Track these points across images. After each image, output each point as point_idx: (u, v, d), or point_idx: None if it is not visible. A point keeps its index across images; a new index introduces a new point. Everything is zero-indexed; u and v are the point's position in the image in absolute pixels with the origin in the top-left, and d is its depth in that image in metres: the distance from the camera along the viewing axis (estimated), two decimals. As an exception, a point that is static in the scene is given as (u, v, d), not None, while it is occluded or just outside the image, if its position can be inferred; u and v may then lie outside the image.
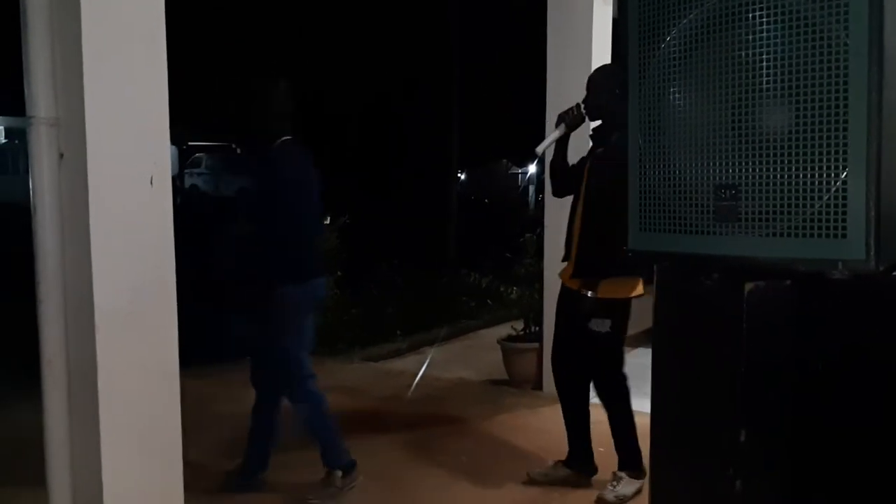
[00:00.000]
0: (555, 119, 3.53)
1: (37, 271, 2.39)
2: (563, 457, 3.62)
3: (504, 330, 5.92)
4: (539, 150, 3.54)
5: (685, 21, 1.41)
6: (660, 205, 1.46)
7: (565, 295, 3.57)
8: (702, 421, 1.49)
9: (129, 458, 2.43)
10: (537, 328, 5.37)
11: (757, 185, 1.34)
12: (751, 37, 1.35)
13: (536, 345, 5.28)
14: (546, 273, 5.14)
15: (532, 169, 22.92)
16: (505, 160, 29.09)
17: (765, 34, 1.34)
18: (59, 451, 2.44)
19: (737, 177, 1.36)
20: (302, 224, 3.33)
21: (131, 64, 2.39)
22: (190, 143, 23.95)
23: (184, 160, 23.96)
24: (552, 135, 3.50)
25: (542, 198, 5.29)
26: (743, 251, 1.36)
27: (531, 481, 3.60)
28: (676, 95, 1.43)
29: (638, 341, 6.16)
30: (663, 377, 1.62)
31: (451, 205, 12.33)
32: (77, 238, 2.34)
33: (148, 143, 2.45)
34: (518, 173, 28.17)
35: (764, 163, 1.33)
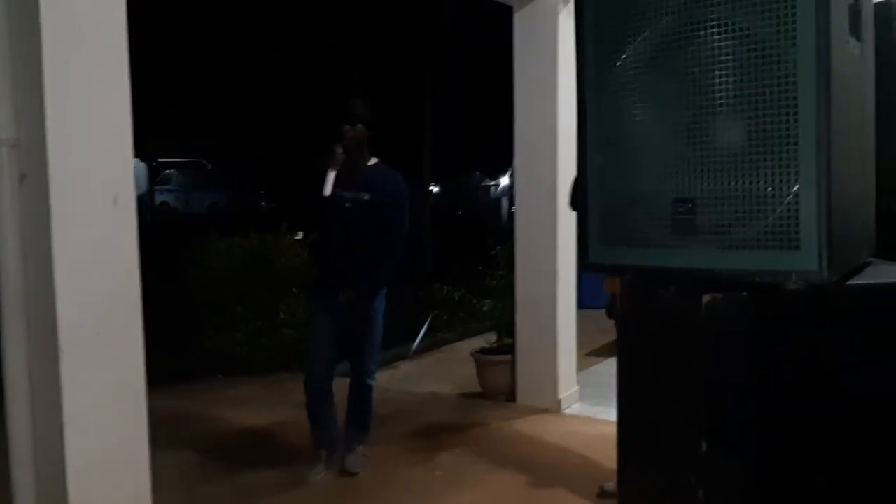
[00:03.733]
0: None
1: (-1, 293, 2.36)
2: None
3: (477, 342, 5.93)
4: None
5: (640, 39, 1.44)
6: (619, 219, 1.48)
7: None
8: (664, 430, 1.51)
9: (97, 478, 2.40)
10: (510, 340, 5.38)
11: (712, 198, 1.37)
12: (704, 54, 1.38)
13: (509, 357, 5.29)
14: (518, 285, 5.17)
15: (504, 181, 23.00)
16: (478, 172, 29.20)
17: (718, 52, 1.37)
18: (24, 473, 2.41)
19: (693, 191, 1.39)
20: (403, 233, 3.85)
21: (93, 84, 2.38)
22: (160, 160, 23.71)
23: (154, 177, 23.72)
24: None
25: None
26: (700, 263, 1.39)
27: (603, 493, 3.38)
28: (633, 112, 1.46)
29: (608, 352, 6.23)
30: (627, 387, 1.65)
31: (424, 218, 12.34)
32: (40, 259, 2.32)
33: (111, 162, 2.44)
34: (490, 185, 28.27)
35: (718, 177, 1.36)
